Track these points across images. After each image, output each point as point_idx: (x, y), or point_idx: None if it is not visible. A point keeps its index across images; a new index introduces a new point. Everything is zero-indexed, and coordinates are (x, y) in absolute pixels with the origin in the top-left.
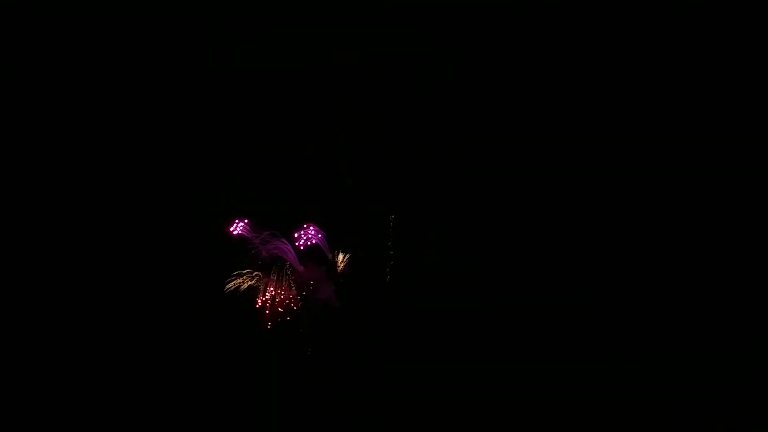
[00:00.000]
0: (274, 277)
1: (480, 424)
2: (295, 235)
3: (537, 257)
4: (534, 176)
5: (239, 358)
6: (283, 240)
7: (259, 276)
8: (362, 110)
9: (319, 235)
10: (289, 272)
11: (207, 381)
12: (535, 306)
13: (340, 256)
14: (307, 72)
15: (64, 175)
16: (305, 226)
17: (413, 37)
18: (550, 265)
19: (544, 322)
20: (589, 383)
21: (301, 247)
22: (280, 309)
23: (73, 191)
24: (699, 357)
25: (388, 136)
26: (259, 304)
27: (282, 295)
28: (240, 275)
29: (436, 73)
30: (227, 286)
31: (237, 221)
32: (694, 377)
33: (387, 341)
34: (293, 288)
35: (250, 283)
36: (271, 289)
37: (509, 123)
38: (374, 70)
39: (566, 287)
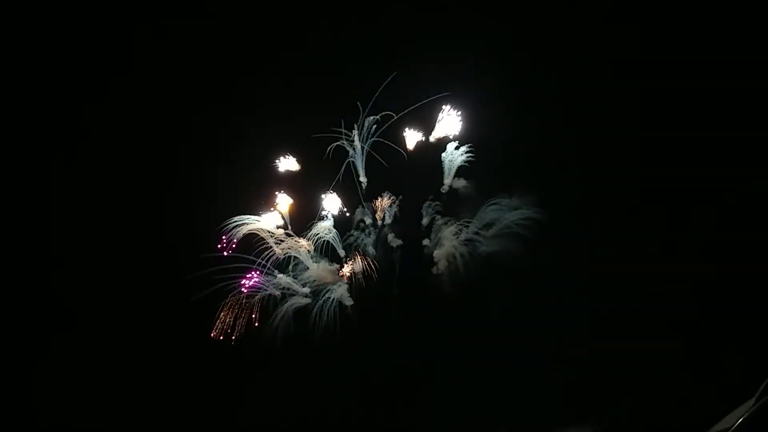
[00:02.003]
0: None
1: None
2: (308, 234)
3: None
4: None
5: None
6: (296, 239)
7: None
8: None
9: (331, 234)
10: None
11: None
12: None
13: (353, 253)
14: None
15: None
16: (318, 224)
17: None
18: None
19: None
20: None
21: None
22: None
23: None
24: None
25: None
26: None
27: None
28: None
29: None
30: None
31: (224, 238)
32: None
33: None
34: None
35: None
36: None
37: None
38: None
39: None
